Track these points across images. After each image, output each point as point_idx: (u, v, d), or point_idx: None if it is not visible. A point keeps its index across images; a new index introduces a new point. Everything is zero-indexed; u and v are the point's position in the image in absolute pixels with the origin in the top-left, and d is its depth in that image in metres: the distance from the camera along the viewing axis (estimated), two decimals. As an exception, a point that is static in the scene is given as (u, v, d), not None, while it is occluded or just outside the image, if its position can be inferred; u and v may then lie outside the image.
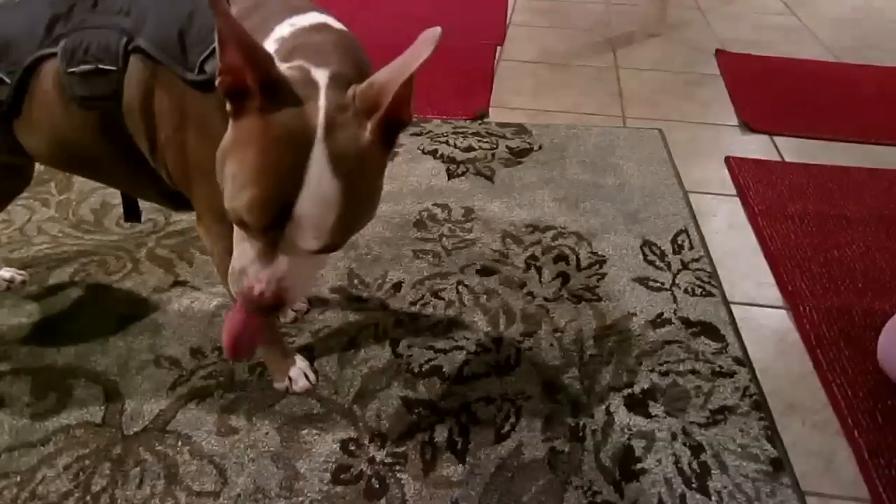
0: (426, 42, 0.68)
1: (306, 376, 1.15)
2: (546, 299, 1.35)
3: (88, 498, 0.98)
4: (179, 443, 1.06)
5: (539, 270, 1.43)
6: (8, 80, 0.90)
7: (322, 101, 0.69)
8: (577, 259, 1.46)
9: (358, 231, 0.78)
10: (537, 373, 1.19)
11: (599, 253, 1.48)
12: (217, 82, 0.69)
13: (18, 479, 1.01)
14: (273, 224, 0.69)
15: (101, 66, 0.86)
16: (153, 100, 0.87)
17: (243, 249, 0.74)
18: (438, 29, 0.69)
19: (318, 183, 0.67)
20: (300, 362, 1.16)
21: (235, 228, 0.75)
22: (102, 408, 1.12)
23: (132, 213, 1.14)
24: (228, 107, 0.71)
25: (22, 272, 1.43)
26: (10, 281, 1.41)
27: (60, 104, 0.90)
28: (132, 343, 1.24)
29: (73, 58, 0.86)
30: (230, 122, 0.72)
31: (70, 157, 0.97)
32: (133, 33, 0.85)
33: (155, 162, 0.92)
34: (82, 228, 1.58)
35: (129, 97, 0.87)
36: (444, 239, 1.51)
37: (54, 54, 0.88)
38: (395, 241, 1.50)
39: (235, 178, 0.69)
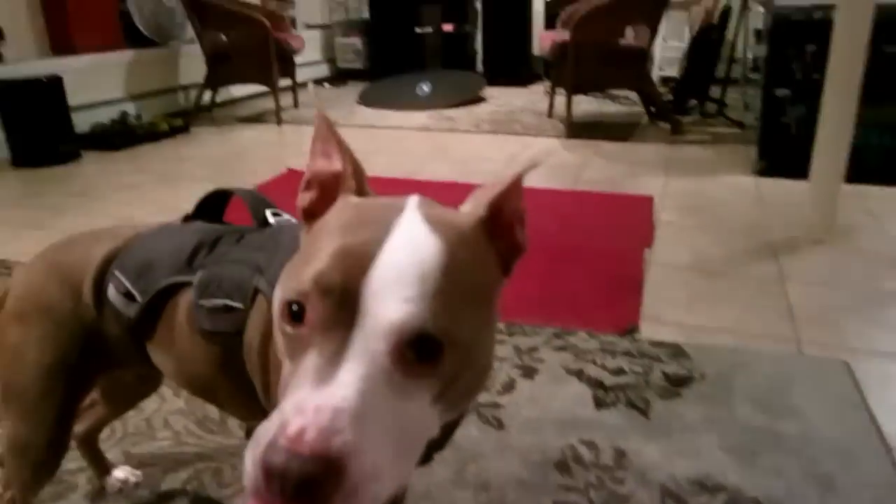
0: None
1: None
2: None
3: None
4: None
5: (710, 548, 1.16)
6: (139, 300, 0.88)
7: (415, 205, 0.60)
8: (759, 538, 1.18)
9: (467, 336, 0.54)
10: None
11: (787, 531, 1.20)
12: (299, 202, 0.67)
13: None
14: (344, 295, 0.52)
15: (229, 303, 0.80)
16: (269, 343, 0.79)
17: (289, 391, 0.52)
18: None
19: (408, 235, 0.55)
20: None
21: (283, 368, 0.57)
22: None
23: None
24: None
25: (137, 472, 1.36)
26: (124, 482, 1.34)
27: (188, 334, 0.85)
28: (230, 588, 1.10)
29: (207, 291, 0.83)
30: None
31: (192, 383, 0.91)
32: (265, 271, 0.80)
33: (268, 404, 0.83)
34: (206, 427, 1.51)
35: (250, 337, 0.81)
36: (591, 490, 1.29)
37: (190, 283, 0.85)
38: (534, 485, 1.29)
39: (298, 262, 0.60)
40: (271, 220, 0.92)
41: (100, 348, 0.95)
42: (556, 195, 3.05)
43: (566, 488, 1.29)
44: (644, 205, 2.94)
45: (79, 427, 1.29)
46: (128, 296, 0.89)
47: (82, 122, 4.21)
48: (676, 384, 1.61)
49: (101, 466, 1.34)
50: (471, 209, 0.62)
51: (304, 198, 0.67)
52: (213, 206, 1.03)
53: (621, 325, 1.87)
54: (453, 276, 0.54)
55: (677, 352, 1.75)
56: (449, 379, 0.53)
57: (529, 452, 1.38)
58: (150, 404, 1.59)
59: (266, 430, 0.48)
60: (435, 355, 0.52)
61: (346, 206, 0.63)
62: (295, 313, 0.54)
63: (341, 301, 0.51)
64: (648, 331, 1.88)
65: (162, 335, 0.90)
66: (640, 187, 3.22)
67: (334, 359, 0.49)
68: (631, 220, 2.75)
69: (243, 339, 0.81)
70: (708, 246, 2.54)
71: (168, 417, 1.55)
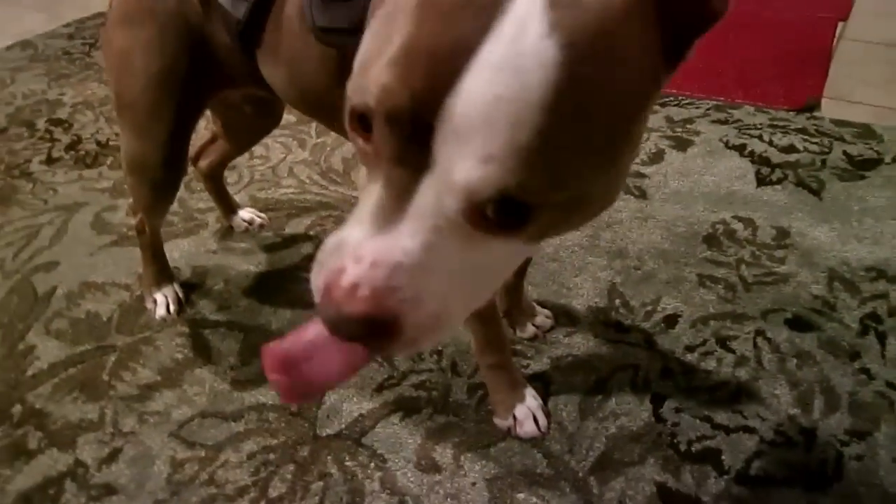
0: None
1: (535, 420, 0.89)
2: (890, 384, 0.93)
3: (264, 503, 0.84)
4: (373, 464, 0.87)
5: (882, 338, 1.00)
6: None
7: None
8: (947, 334, 1.00)
9: (578, 190, 0.40)
10: (869, 498, 0.80)
11: (984, 331, 1.00)
12: None
13: (203, 454, 0.90)
14: (415, 126, 0.38)
15: None
16: None
17: (357, 211, 0.43)
18: None
19: (516, 35, 0.36)
20: (531, 399, 0.90)
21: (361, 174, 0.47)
22: (302, 392, 0.98)
23: None
24: None
25: (262, 215, 1.36)
26: (250, 223, 1.34)
27: (301, 34, 0.72)
28: (348, 321, 1.08)
29: None
30: None
31: (305, 98, 0.80)
32: None
33: None
34: (329, 178, 1.47)
35: None
36: (743, 266, 1.13)
37: None
38: (676, 257, 1.16)
39: (368, 54, 0.42)
40: None
41: (209, 59, 0.86)
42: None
43: (714, 262, 1.14)
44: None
45: (202, 162, 1.28)
46: None
47: None
48: (861, 166, 1.35)
49: (227, 206, 1.34)
50: None
51: None
52: None
53: (797, 101, 1.58)
54: (573, 109, 0.37)
55: (866, 133, 1.46)
56: (544, 231, 0.43)
57: (674, 224, 1.22)
58: (275, 154, 1.57)
59: (329, 250, 0.42)
60: (523, 218, 0.40)
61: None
62: (363, 123, 0.41)
63: (411, 134, 0.38)
64: (831, 110, 1.58)
65: (272, 40, 0.78)
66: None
67: (402, 198, 0.40)
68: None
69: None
70: (920, 22, 2.06)
71: (293, 167, 1.52)
